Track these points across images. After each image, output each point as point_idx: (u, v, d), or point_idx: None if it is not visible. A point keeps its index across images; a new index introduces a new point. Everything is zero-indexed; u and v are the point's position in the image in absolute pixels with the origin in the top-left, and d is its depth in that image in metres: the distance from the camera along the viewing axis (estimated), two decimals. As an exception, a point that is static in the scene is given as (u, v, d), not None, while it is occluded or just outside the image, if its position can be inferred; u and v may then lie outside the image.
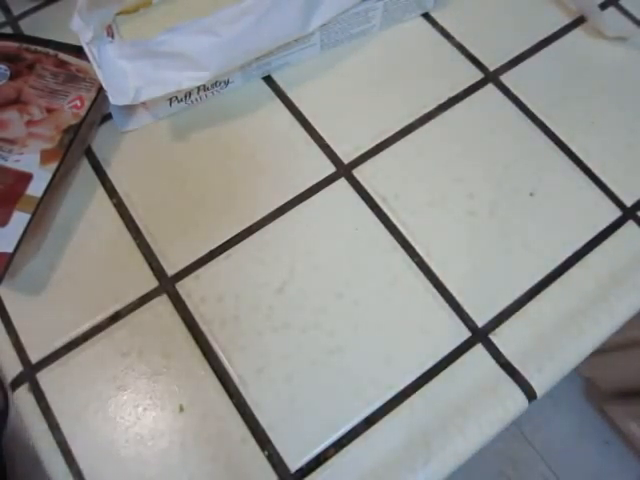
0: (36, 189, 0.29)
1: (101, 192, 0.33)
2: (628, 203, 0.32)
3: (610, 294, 0.30)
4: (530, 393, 0.28)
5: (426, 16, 0.38)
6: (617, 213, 0.32)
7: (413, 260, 0.31)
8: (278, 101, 0.36)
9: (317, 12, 0.32)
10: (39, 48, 0.34)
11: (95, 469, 0.26)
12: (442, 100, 0.35)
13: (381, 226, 0.32)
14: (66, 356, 0.29)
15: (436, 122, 0.35)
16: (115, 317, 0.29)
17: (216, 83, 0.34)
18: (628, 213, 0.32)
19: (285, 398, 0.28)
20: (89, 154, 0.34)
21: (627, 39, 0.37)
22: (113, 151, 0.34)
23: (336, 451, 0.27)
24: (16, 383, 0.28)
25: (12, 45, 0.34)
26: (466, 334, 0.29)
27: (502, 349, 0.29)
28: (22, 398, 0.28)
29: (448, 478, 0.27)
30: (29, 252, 0.31)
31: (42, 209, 0.30)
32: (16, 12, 0.39)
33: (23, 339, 0.29)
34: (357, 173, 0.33)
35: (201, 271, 0.31)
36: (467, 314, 0.29)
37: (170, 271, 0.31)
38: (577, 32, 0.38)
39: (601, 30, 0.37)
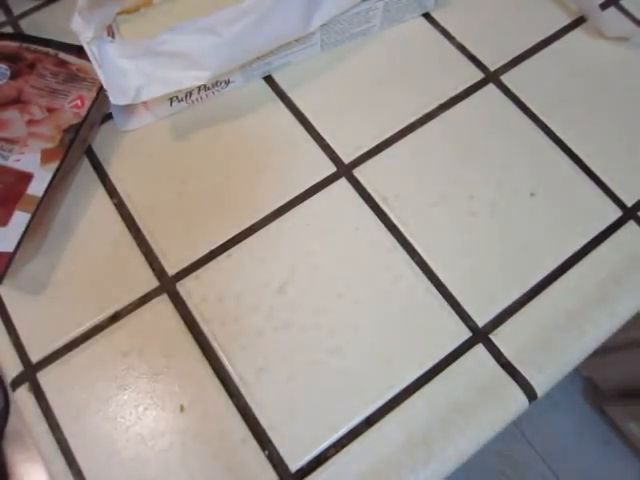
0: (37, 189, 0.29)
1: (101, 192, 0.33)
2: (628, 203, 0.32)
3: (610, 294, 0.30)
4: (530, 393, 0.28)
5: (427, 16, 0.38)
6: (617, 213, 0.32)
7: (413, 260, 0.31)
8: (278, 101, 0.36)
9: (318, 12, 0.32)
10: (39, 48, 0.34)
11: (95, 469, 0.26)
12: (442, 100, 0.35)
13: (381, 226, 0.32)
14: (66, 356, 0.29)
15: (436, 122, 0.35)
16: (115, 317, 0.29)
17: (217, 83, 0.34)
18: (628, 213, 0.32)
19: (285, 398, 0.28)
20: (90, 154, 0.34)
21: (627, 39, 0.37)
22: (114, 151, 0.34)
23: (336, 451, 0.27)
24: (16, 383, 0.28)
25: (12, 45, 0.34)
26: (466, 334, 0.29)
27: (502, 349, 0.29)
28: (22, 398, 0.28)
29: (448, 478, 0.27)
30: (29, 252, 0.31)
31: (42, 209, 0.30)
32: (16, 12, 0.40)
33: (23, 339, 0.29)
34: (357, 173, 0.33)
35: (201, 271, 0.31)
36: (467, 314, 0.29)
37: (170, 271, 0.31)
38: (577, 32, 0.38)
39: (601, 30, 0.37)
